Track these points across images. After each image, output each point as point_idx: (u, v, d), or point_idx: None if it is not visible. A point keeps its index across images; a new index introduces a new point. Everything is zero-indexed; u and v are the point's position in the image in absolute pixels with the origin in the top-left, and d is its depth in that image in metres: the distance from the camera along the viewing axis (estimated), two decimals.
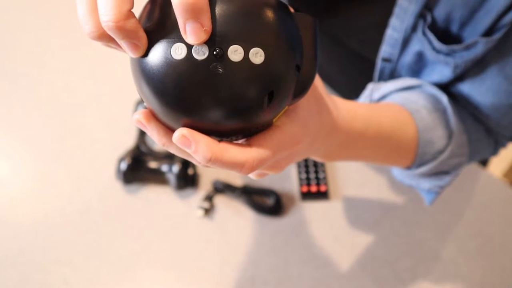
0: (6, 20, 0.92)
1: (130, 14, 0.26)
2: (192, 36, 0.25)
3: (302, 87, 0.30)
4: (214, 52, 0.26)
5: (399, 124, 0.49)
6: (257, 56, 0.26)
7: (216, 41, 0.25)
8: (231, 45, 0.26)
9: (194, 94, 0.26)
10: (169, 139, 0.29)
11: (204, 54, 0.26)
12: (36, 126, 0.76)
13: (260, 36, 0.26)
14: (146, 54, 0.27)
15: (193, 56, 0.26)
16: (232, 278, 0.62)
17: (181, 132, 0.27)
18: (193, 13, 0.25)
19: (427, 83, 0.53)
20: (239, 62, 0.26)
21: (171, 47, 0.26)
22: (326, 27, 0.62)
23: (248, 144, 0.30)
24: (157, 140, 0.30)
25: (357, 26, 0.57)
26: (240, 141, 0.31)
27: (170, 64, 0.26)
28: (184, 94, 0.26)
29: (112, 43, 0.27)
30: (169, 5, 0.26)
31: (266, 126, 0.30)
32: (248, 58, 0.26)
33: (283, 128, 0.31)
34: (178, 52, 0.26)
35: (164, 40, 0.26)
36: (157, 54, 0.26)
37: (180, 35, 0.26)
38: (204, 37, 0.25)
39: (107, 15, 0.25)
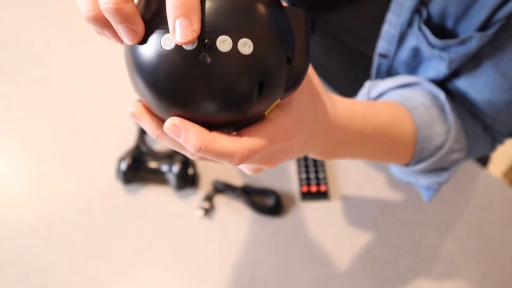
0: (6, 20, 0.92)
1: None
2: (181, 33, 0.25)
3: (295, 80, 0.30)
4: (203, 43, 0.26)
5: (397, 121, 0.49)
6: (245, 46, 0.26)
7: (205, 32, 0.26)
8: (220, 35, 0.26)
9: (183, 84, 0.26)
10: (162, 131, 0.30)
11: (193, 44, 0.26)
12: (36, 126, 0.76)
13: (249, 27, 0.27)
14: (139, 44, 0.27)
15: (182, 47, 0.26)
16: (232, 278, 0.62)
17: (172, 121, 0.27)
18: (184, 11, 0.25)
19: (425, 80, 0.54)
20: (227, 52, 0.26)
21: (161, 38, 0.26)
22: (324, 24, 0.62)
23: (239, 135, 0.30)
24: (150, 132, 0.30)
25: (354, 23, 0.57)
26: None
27: (160, 54, 0.26)
28: (174, 84, 0.26)
29: (106, 29, 0.27)
30: None
31: (258, 119, 0.30)
32: (237, 49, 0.26)
33: (276, 120, 0.31)
34: (168, 42, 0.26)
35: (155, 30, 0.26)
36: (148, 45, 0.27)
37: None
38: (192, 36, 0.25)
39: None
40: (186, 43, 0.25)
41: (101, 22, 0.27)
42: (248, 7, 0.27)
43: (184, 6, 0.25)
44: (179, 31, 0.25)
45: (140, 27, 0.26)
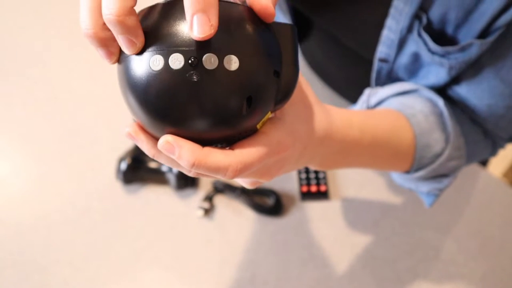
0: (6, 20, 0.92)
1: (132, 11, 0.26)
2: (199, 28, 0.25)
3: (284, 93, 0.31)
4: (189, 61, 0.26)
5: (396, 130, 0.49)
6: (231, 63, 0.27)
7: (191, 51, 0.26)
8: (206, 53, 0.27)
9: (173, 102, 0.27)
10: (158, 150, 0.30)
11: (180, 64, 0.26)
12: (36, 126, 0.76)
13: (235, 44, 0.27)
14: (130, 66, 0.28)
15: (169, 67, 0.26)
16: (232, 278, 0.62)
17: (166, 139, 0.28)
18: (203, 6, 0.25)
19: (424, 87, 0.53)
20: (214, 69, 0.27)
21: (149, 59, 0.27)
22: (324, 25, 0.62)
23: (232, 149, 0.30)
24: (147, 151, 0.31)
25: (354, 26, 0.57)
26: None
27: (149, 75, 0.27)
28: (164, 104, 0.27)
29: (101, 49, 0.28)
30: (154, 20, 0.27)
31: (250, 133, 0.31)
32: (223, 65, 0.27)
33: (268, 133, 0.31)
34: (156, 63, 0.27)
35: (145, 52, 0.27)
36: (138, 66, 0.27)
37: (158, 48, 0.27)
38: (209, 31, 0.25)
39: (110, 8, 0.25)
40: (203, 39, 0.25)
41: (97, 42, 0.27)
42: (232, 24, 0.28)
43: (203, 2, 0.25)
44: (197, 26, 0.25)
45: (140, 39, 0.27)
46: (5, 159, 0.72)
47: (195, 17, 0.25)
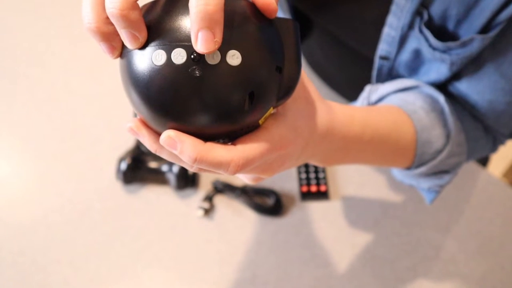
0: (6, 20, 0.92)
1: (135, 5, 0.26)
2: (203, 44, 0.25)
3: (286, 89, 0.31)
4: (192, 56, 0.26)
5: (397, 126, 0.49)
6: (234, 58, 0.27)
7: (193, 46, 0.26)
8: None
9: (175, 98, 0.27)
10: (160, 145, 0.30)
11: (182, 58, 0.26)
12: (36, 126, 0.76)
13: (237, 39, 0.27)
14: (133, 60, 0.28)
15: (172, 61, 0.27)
16: (232, 278, 0.62)
17: (167, 134, 0.28)
18: (210, 23, 0.25)
19: (424, 84, 0.54)
20: (216, 64, 0.27)
21: (152, 54, 0.27)
22: (324, 24, 0.62)
23: (234, 144, 0.30)
24: (149, 146, 0.31)
25: (354, 24, 0.57)
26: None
27: (152, 70, 0.27)
28: (166, 99, 0.27)
29: (103, 43, 0.28)
30: (156, 14, 0.27)
31: (252, 128, 0.31)
32: (226, 60, 0.27)
33: (270, 129, 0.32)
34: (159, 58, 0.27)
35: (147, 47, 0.27)
36: (140, 61, 0.27)
37: (161, 43, 0.27)
38: (213, 47, 0.26)
39: (113, 2, 0.26)
40: (207, 54, 0.26)
41: (100, 36, 0.27)
42: (235, 19, 0.28)
43: (210, 19, 0.25)
44: (201, 42, 0.25)
45: (143, 33, 0.27)
46: (5, 159, 0.72)
47: (200, 33, 0.25)
